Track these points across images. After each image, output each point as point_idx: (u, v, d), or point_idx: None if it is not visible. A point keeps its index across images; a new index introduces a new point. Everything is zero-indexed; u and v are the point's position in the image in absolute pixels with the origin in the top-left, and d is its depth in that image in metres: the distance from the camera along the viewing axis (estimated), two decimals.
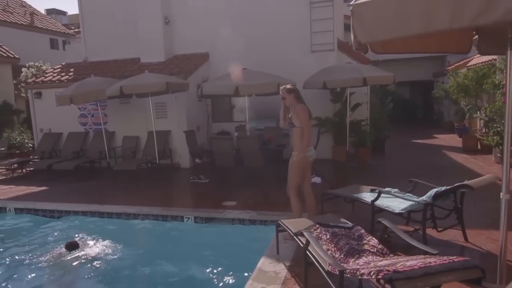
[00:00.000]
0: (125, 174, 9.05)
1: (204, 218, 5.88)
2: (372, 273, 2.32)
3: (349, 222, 3.83)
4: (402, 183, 5.09)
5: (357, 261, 3.08)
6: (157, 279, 4.26)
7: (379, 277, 2.23)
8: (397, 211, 4.21)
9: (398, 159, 10.40)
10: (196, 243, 5.23)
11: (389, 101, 15.06)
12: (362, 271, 2.43)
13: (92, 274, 4.52)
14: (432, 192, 4.00)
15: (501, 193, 2.51)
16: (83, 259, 4.88)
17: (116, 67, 11.42)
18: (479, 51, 3.00)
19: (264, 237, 4.67)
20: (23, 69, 12.50)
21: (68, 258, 4.91)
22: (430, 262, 2.36)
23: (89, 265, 4.71)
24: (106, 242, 5.30)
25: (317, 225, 3.76)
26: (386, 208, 4.36)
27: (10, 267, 4.77)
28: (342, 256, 3.21)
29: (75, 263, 4.77)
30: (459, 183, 3.82)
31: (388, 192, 4.77)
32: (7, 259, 4.97)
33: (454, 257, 2.43)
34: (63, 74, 11.67)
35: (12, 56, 15.71)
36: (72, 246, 5.11)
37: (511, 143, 2.31)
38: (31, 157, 11.08)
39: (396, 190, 4.85)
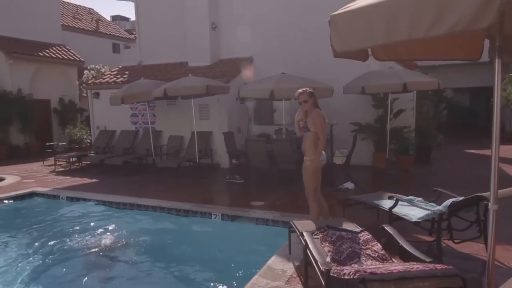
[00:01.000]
0: (167, 171, 9.61)
1: (230, 216, 6.12)
2: (351, 273, 2.39)
3: (359, 227, 3.85)
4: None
5: (354, 264, 3.12)
6: (172, 270, 4.57)
7: (355, 277, 2.30)
8: (413, 220, 4.13)
9: (443, 169, 9.93)
10: (218, 239, 5.48)
11: (443, 108, 14.36)
12: (345, 271, 2.50)
13: (124, 259, 4.95)
14: (448, 202, 3.89)
15: (489, 204, 2.44)
16: (116, 246, 5.34)
17: (165, 70, 12.14)
18: (490, 57, 2.91)
19: (283, 238, 4.78)
20: (85, 71, 13.73)
21: (103, 244, 5.41)
22: (413, 268, 2.38)
23: (122, 251, 5.15)
24: (138, 232, 5.74)
25: (326, 228, 3.84)
26: (403, 216, 4.29)
27: (53, 249, 5.34)
28: (341, 258, 3.26)
29: (110, 249, 5.25)
30: (476, 194, 3.68)
31: (410, 201, 4.68)
32: (52, 241, 5.57)
33: (440, 265, 2.42)
34: (118, 76, 12.62)
35: (78, 59, 17.28)
36: None
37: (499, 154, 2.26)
38: (88, 152, 12.13)
39: (420, 199, 4.74)
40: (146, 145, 10.90)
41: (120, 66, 13.73)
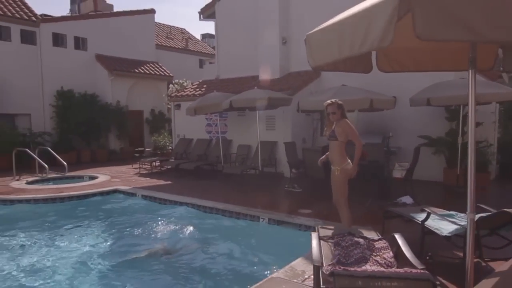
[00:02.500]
0: (233, 177, 10.27)
1: (276, 221, 6.45)
2: (329, 270, 2.58)
3: (379, 235, 3.90)
4: None
5: (357, 268, 3.24)
6: (215, 264, 5.06)
7: (327, 272, 2.50)
8: (444, 234, 4.03)
9: None
10: (260, 240, 5.85)
11: None
12: (328, 268, 2.70)
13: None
14: (476, 216, 3.72)
15: (467, 212, 2.42)
16: (170, 234, 6.08)
17: (238, 84, 12.96)
18: (503, 67, 2.86)
19: None
20: (170, 85, 15.29)
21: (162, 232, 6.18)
22: (389, 270, 2.49)
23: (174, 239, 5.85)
24: (192, 227, 6.41)
25: (346, 234, 3.97)
26: (435, 230, 4.19)
27: (120, 237, 6.26)
28: (348, 262, 3.39)
29: (164, 237, 6.00)
30: (502, 210, 3.50)
31: (449, 216, 4.53)
32: (122, 232, 6.52)
33: (418, 270, 2.49)
34: (197, 89, 13.82)
35: (168, 74, 19.22)
36: None
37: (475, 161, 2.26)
38: (170, 157, 13.46)
39: (462, 214, 4.55)
40: (217, 153, 11.76)
41: (201, 80, 15.00)
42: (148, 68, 18.71)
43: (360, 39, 1.88)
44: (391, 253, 3.49)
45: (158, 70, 19.17)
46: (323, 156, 5.29)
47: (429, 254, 3.68)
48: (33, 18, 15.44)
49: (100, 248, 5.71)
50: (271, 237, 6.07)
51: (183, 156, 12.82)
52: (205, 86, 13.98)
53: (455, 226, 4.02)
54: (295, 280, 3.90)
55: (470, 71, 2.18)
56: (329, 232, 4.13)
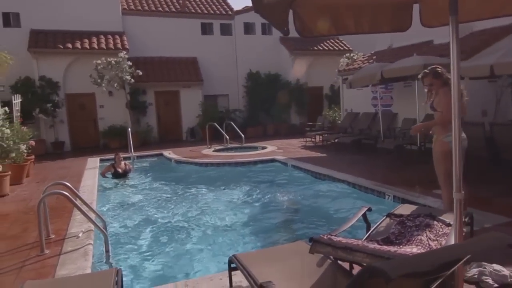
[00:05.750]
0: (388, 152, 9.77)
1: (401, 199, 6.02)
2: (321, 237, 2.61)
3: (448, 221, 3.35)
4: None
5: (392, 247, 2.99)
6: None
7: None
8: None
9: None
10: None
11: None
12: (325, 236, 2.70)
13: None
14: None
15: (453, 192, 1.94)
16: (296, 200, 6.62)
17: (411, 52, 11.84)
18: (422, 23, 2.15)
19: None
20: (341, 59, 15.21)
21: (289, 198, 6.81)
22: (371, 246, 2.36)
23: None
24: (318, 197, 6.79)
25: (422, 215, 3.59)
26: None
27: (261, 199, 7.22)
28: (397, 241, 3.13)
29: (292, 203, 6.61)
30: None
31: None
32: (266, 193, 7.50)
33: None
34: (365, 62, 13.39)
35: (347, 48, 19.13)
36: None
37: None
38: (337, 132, 13.74)
39: None
40: (379, 127, 11.27)
41: (372, 52, 14.39)
42: (328, 44, 19.12)
43: None
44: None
45: (338, 45, 19.34)
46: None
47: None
48: (229, 12, 18.21)
49: (243, 203, 6.93)
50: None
51: (347, 131, 12.87)
52: (374, 57, 13.39)
53: None
54: None
55: (450, 18, 1.72)
56: (408, 210, 3.79)
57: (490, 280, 3.03)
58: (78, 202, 4.56)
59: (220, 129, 13.39)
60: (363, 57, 14.29)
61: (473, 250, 1.57)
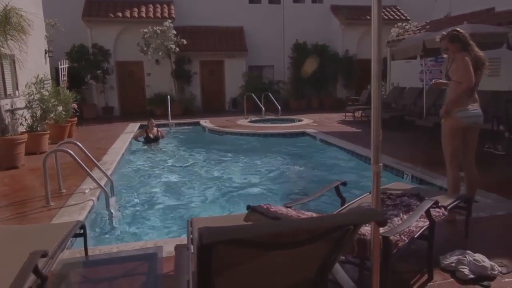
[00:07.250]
0: (423, 129, 9.06)
1: (418, 179, 5.63)
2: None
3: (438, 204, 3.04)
4: None
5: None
6: None
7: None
8: None
9: None
10: None
11: None
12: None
13: None
14: None
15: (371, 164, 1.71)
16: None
17: (463, 20, 10.67)
18: None
19: None
20: (392, 30, 14.08)
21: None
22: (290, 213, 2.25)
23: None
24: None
25: (408, 195, 3.32)
26: None
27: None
28: None
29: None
30: None
31: None
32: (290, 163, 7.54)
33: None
34: (417, 32, 12.32)
35: (404, 18, 17.72)
36: None
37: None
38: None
39: None
40: (424, 103, 10.46)
41: (428, 21, 13.18)
42: (383, 13, 17.83)
43: None
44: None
45: (394, 14, 17.98)
46: None
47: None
48: None
49: (256, 172, 7.01)
50: None
51: (391, 106, 12.12)
52: (427, 27, 12.26)
53: None
54: None
55: None
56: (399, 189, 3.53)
57: (466, 270, 2.73)
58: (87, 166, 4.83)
59: (257, 100, 13.30)
60: (416, 27, 13.15)
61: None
